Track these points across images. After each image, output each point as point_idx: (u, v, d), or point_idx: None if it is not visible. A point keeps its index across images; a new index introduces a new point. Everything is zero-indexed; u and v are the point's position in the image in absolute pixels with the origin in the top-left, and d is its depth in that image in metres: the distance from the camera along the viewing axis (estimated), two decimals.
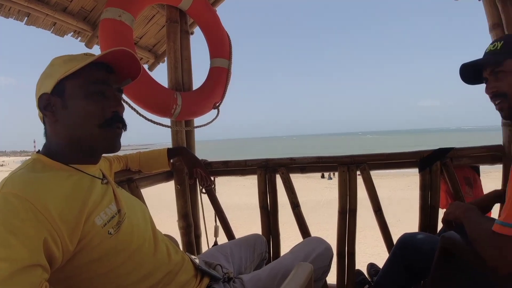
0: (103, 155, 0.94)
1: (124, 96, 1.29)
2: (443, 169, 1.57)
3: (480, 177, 1.65)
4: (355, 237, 1.67)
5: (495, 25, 1.57)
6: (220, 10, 2.11)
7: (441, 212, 1.57)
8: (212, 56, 1.94)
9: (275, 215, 1.75)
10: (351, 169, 1.61)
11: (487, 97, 1.03)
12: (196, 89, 1.89)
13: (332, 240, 1.48)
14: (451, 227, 1.05)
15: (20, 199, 0.60)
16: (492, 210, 1.21)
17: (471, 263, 0.88)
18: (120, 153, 1.04)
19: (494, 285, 0.90)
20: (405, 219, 1.76)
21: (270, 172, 1.74)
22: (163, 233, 0.98)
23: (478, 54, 1.05)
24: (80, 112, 0.76)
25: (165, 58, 1.94)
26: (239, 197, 11.22)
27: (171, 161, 1.60)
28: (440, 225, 1.46)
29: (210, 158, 1.97)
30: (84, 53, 0.81)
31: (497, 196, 1.22)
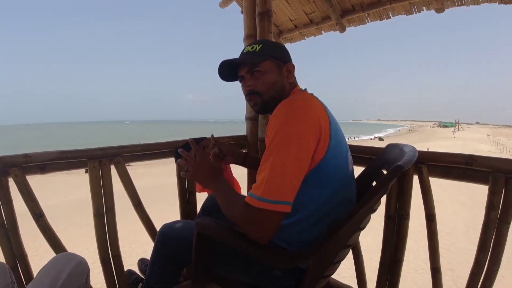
0: None
1: None
2: (196, 157, 1.69)
3: None
4: (117, 239, 1.49)
5: (249, 35, 1.86)
6: None
7: (199, 197, 1.69)
8: None
9: (17, 232, 1.26)
10: (104, 164, 1.40)
11: (238, 94, 1.14)
12: None
13: (91, 245, 1.23)
14: None
15: None
16: None
17: (231, 243, 0.93)
18: None
19: (254, 260, 0.98)
20: (175, 204, 1.74)
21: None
22: None
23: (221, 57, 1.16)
24: None
25: None
26: None
27: None
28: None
29: None
30: None
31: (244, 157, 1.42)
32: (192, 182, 1.69)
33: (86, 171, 1.39)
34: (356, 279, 1.51)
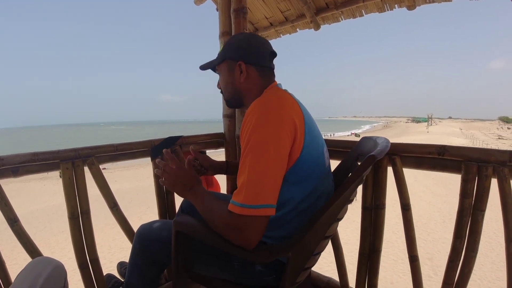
0: None
1: None
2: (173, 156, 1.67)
3: None
4: (94, 242, 1.45)
5: (225, 33, 1.86)
6: None
7: (177, 196, 1.67)
8: None
9: None
10: (77, 165, 1.35)
11: (214, 93, 1.16)
12: None
13: (69, 251, 1.19)
14: None
15: None
16: None
17: (210, 241, 0.91)
18: None
19: (234, 256, 0.98)
20: (155, 207, 1.71)
21: None
22: None
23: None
24: None
25: None
26: None
27: None
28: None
29: None
30: None
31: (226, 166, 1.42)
32: None
33: (61, 176, 1.35)
34: (336, 271, 1.54)
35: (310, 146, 0.91)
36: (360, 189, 1.29)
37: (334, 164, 1.24)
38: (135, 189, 11.31)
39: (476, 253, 1.11)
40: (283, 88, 1.07)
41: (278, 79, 1.12)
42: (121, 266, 1.63)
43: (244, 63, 1.03)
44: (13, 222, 1.25)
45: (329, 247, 1.21)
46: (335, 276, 1.61)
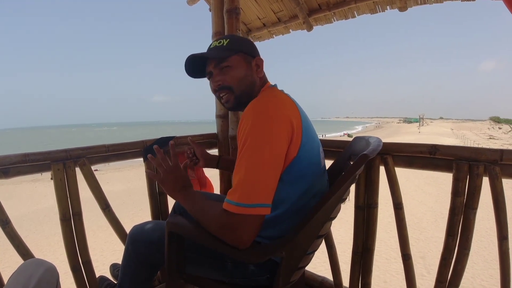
0: None
1: None
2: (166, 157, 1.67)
3: None
4: (87, 244, 1.43)
5: (217, 33, 1.86)
6: None
7: (170, 197, 1.66)
8: None
9: None
10: (68, 166, 1.33)
11: (209, 94, 1.11)
12: None
13: (61, 254, 1.18)
14: None
15: None
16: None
17: (203, 241, 0.91)
18: None
19: (227, 256, 0.97)
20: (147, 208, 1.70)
21: None
22: None
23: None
24: None
25: None
26: None
27: None
28: None
29: None
30: None
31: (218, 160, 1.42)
32: None
33: (52, 178, 1.33)
34: (330, 270, 1.54)
35: (306, 146, 0.91)
36: (352, 188, 1.29)
37: (327, 164, 1.24)
38: (128, 190, 11.23)
39: (469, 251, 1.12)
40: (279, 88, 1.07)
41: (269, 80, 1.11)
42: (114, 268, 1.61)
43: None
44: (5, 223, 1.23)
45: (322, 247, 1.21)
46: (329, 276, 1.61)
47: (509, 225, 1.06)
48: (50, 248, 5.53)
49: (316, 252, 1.04)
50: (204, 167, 1.45)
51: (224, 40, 1.03)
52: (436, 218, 6.73)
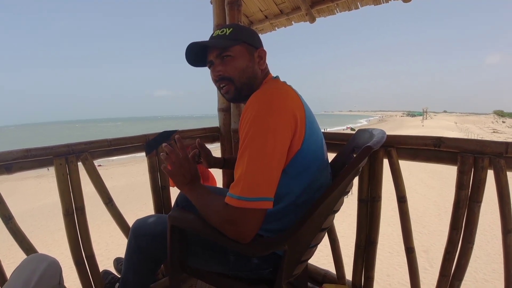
0: None
1: None
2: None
3: None
4: (90, 239, 1.44)
5: (219, 25, 1.85)
6: None
7: (173, 191, 1.66)
8: None
9: None
10: (70, 161, 1.33)
11: (210, 89, 1.08)
12: None
13: (65, 249, 1.18)
14: None
15: None
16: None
17: (206, 234, 0.90)
18: None
19: (230, 250, 0.97)
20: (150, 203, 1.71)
21: None
22: None
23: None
24: None
25: None
26: None
27: None
28: None
29: None
30: None
31: (220, 162, 1.40)
32: (165, 176, 1.65)
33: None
34: (333, 263, 1.54)
35: (310, 139, 0.90)
36: (356, 182, 1.29)
37: (330, 157, 1.23)
38: (131, 185, 11.28)
39: (473, 244, 1.11)
40: (282, 80, 1.05)
41: (272, 72, 1.10)
42: (117, 262, 1.62)
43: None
44: (8, 219, 1.24)
45: (325, 241, 1.21)
46: (331, 269, 1.61)
47: None
48: (55, 243, 5.59)
49: (319, 246, 1.04)
50: (209, 168, 1.44)
51: (227, 29, 1.00)
52: (439, 212, 6.72)
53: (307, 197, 0.93)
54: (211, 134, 1.97)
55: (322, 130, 1.11)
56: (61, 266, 0.92)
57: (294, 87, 1.00)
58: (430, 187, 8.96)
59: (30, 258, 0.92)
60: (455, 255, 1.14)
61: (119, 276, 1.51)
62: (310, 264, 1.67)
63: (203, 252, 1.03)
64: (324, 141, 1.03)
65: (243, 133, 0.83)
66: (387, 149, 1.25)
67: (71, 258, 1.38)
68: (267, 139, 0.80)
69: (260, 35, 2.79)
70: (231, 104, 1.86)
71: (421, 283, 1.30)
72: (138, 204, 7.85)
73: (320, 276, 1.63)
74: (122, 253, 1.48)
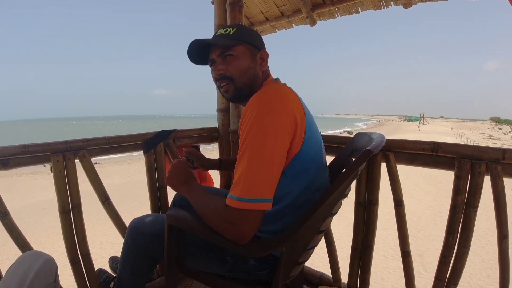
0: None
1: None
2: (166, 150, 1.65)
3: None
4: (86, 237, 1.43)
5: (220, 26, 1.85)
6: None
7: (170, 190, 1.66)
8: None
9: None
10: (68, 158, 1.33)
11: (210, 89, 1.08)
12: None
13: (59, 247, 1.17)
14: None
15: None
16: None
17: (204, 235, 0.90)
18: None
19: (227, 251, 0.97)
20: (147, 202, 1.71)
21: None
22: None
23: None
24: None
25: None
26: None
27: None
28: None
29: None
30: None
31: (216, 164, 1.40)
32: (162, 176, 1.65)
33: (52, 170, 1.32)
34: (329, 266, 1.55)
35: (310, 141, 0.90)
36: (353, 185, 1.29)
37: (328, 160, 1.24)
38: (127, 184, 11.23)
39: (469, 249, 1.12)
40: (282, 81, 1.05)
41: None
42: (112, 261, 1.61)
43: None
44: (3, 215, 1.23)
45: (321, 243, 1.21)
46: (327, 272, 1.61)
47: (508, 225, 1.06)
48: (49, 241, 5.54)
49: (315, 248, 1.04)
50: (205, 170, 1.45)
51: (231, 28, 1.00)
52: (435, 216, 6.74)
53: (305, 198, 0.94)
54: (209, 135, 1.97)
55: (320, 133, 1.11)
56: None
57: (293, 89, 1.01)
58: (426, 191, 8.99)
59: (25, 255, 0.92)
60: (451, 259, 1.15)
61: (114, 275, 1.50)
62: (306, 266, 1.68)
63: (200, 252, 1.03)
64: (322, 144, 1.03)
65: (243, 134, 0.83)
66: (385, 153, 1.25)
67: (65, 256, 1.37)
68: (267, 140, 0.80)
69: None
70: (230, 104, 1.86)
71: (416, 287, 1.31)
72: (134, 203, 7.81)
73: (316, 279, 1.63)
74: (116, 252, 1.48)
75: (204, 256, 1.02)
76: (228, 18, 1.80)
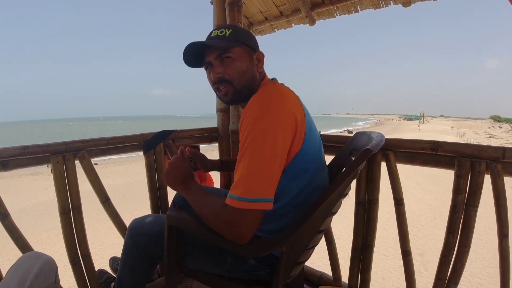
0: None
1: None
2: (166, 150, 1.65)
3: None
4: (86, 238, 1.43)
5: (219, 26, 1.83)
6: None
7: (170, 190, 1.66)
8: None
9: None
10: (68, 159, 1.33)
11: (211, 89, 1.07)
12: None
13: (60, 247, 1.17)
14: None
15: None
16: None
17: (203, 235, 0.90)
18: None
19: (227, 251, 0.96)
20: (147, 202, 1.71)
21: None
22: None
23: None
24: None
25: None
26: None
27: None
28: None
29: None
30: None
31: (217, 165, 1.39)
32: (162, 176, 1.65)
33: (52, 171, 1.32)
34: (330, 266, 1.55)
35: (309, 141, 0.90)
36: (353, 184, 1.29)
37: (327, 159, 1.24)
38: (127, 184, 11.23)
39: (469, 248, 1.12)
40: (280, 82, 1.05)
41: (269, 73, 1.09)
42: (113, 261, 1.61)
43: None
44: (4, 216, 1.23)
45: (321, 242, 1.21)
46: (328, 271, 1.61)
47: (509, 224, 1.06)
48: (50, 242, 5.55)
49: (315, 247, 1.04)
50: (207, 172, 1.44)
51: (226, 30, 0.98)
52: (435, 215, 6.74)
53: (303, 197, 0.94)
54: (209, 135, 1.97)
55: (319, 132, 1.11)
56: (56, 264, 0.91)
57: (291, 88, 1.01)
58: (426, 190, 8.99)
59: (26, 256, 0.92)
60: (451, 258, 1.15)
61: (115, 276, 1.50)
62: (306, 266, 1.68)
63: (200, 252, 1.02)
64: (321, 143, 1.03)
65: (244, 134, 0.83)
66: (385, 152, 1.25)
67: (66, 257, 1.37)
68: (268, 140, 0.80)
69: (259, 36, 2.80)
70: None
71: (416, 286, 1.31)
72: (134, 203, 7.81)
73: (316, 278, 1.63)
74: (116, 253, 1.48)
75: (204, 256, 1.02)
76: (227, 18, 1.80)
